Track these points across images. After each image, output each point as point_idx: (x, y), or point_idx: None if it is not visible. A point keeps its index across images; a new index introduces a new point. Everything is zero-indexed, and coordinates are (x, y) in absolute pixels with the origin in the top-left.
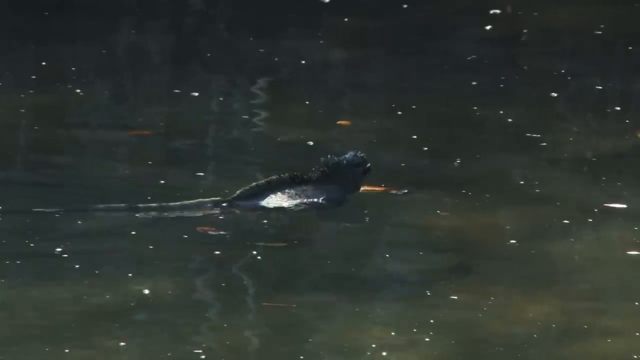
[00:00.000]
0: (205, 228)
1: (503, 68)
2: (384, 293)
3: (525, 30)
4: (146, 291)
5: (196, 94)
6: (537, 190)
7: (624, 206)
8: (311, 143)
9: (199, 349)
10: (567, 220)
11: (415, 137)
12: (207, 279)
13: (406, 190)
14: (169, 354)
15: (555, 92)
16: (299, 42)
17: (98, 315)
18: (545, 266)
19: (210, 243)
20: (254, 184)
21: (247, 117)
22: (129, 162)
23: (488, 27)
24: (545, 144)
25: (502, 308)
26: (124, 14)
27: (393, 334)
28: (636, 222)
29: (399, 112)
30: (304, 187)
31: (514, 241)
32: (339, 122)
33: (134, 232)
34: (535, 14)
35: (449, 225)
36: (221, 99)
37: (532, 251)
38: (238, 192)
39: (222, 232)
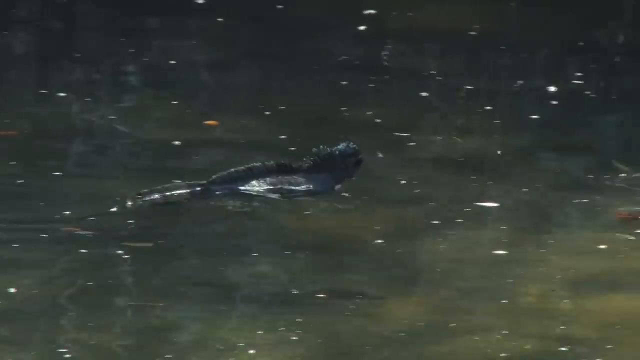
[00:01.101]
0: (71, 228)
1: (373, 68)
2: (251, 292)
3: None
4: (12, 290)
5: (63, 94)
6: (406, 190)
7: (494, 205)
8: (178, 143)
9: (64, 349)
10: (436, 220)
11: (283, 137)
12: (73, 279)
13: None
14: (32, 353)
15: (425, 92)
16: (169, 42)
17: None
18: (412, 265)
19: (76, 242)
20: (232, 169)
21: (114, 117)
22: None
23: (362, 28)
24: (414, 143)
25: (369, 307)
26: None
27: (260, 332)
28: (504, 221)
29: (267, 113)
30: (292, 176)
31: (381, 241)
32: (206, 122)
33: None
34: (410, 14)
35: (317, 224)
36: (88, 99)
37: (400, 250)
38: (214, 176)
39: (88, 232)
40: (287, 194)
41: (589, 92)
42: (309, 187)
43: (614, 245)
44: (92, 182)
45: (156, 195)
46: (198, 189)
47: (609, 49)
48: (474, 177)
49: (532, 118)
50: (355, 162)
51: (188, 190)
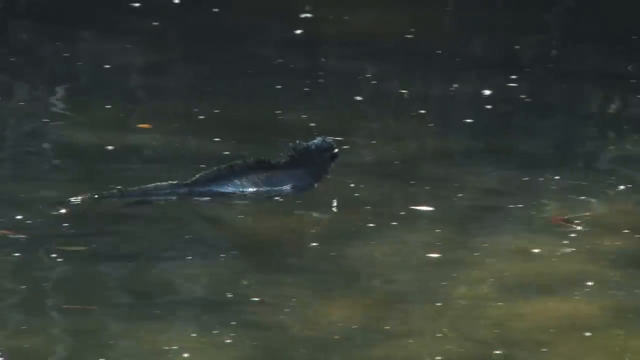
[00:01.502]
0: (4, 231)
1: (308, 72)
2: (184, 295)
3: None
4: None
5: None
6: (341, 193)
7: (428, 209)
8: (111, 147)
9: None
10: (371, 223)
11: (217, 139)
12: (5, 283)
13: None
14: None
15: (360, 96)
16: (104, 46)
17: None
18: (347, 269)
19: (8, 246)
20: (215, 168)
21: (47, 120)
22: None
23: (298, 32)
24: (348, 147)
25: (303, 310)
26: None
27: (194, 335)
28: (439, 225)
29: (201, 117)
30: (271, 173)
31: (316, 244)
32: (139, 126)
33: None
34: (346, 17)
35: (253, 227)
36: (21, 103)
37: (334, 254)
38: (197, 176)
39: (20, 236)
40: (269, 193)
41: (523, 96)
42: (290, 185)
43: (547, 249)
44: (25, 187)
45: (137, 197)
46: (181, 190)
47: (544, 52)
48: (409, 181)
49: (466, 122)
50: (330, 157)
51: (169, 191)
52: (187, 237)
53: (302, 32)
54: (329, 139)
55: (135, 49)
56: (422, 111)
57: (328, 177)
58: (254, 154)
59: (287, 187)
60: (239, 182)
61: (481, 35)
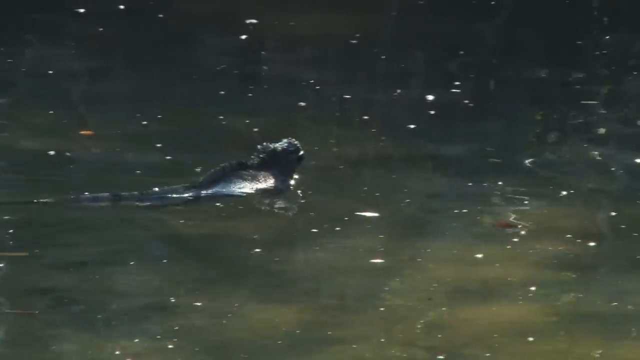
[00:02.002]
0: None
1: (252, 77)
2: (128, 301)
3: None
4: None
5: None
6: (284, 199)
7: (373, 215)
8: (52, 152)
9: None
10: (315, 229)
11: (159, 145)
12: None
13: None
14: None
15: (304, 102)
16: (47, 51)
17: None
18: (290, 274)
19: None
20: (212, 170)
21: None
22: None
23: (243, 37)
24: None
25: (246, 315)
26: None
27: (137, 340)
28: (382, 230)
29: (144, 122)
30: (250, 173)
31: (259, 249)
32: (81, 132)
33: None
34: (292, 23)
35: (195, 233)
36: None
37: (278, 259)
38: (202, 179)
39: None
40: (256, 192)
41: (466, 102)
42: (270, 183)
43: (491, 254)
44: None
45: (155, 198)
46: (193, 191)
47: (486, 58)
48: (352, 186)
49: (409, 127)
50: (297, 159)
51: (184, 194)
52: (129, 243)
53: (246, 38)
54: (295, 141)
55: (79, 55)
56: (366, 117)
57: (295, 176)
58: (197, 161)
59: (269, 185)
60: (231, 183)
61: (424, 41)
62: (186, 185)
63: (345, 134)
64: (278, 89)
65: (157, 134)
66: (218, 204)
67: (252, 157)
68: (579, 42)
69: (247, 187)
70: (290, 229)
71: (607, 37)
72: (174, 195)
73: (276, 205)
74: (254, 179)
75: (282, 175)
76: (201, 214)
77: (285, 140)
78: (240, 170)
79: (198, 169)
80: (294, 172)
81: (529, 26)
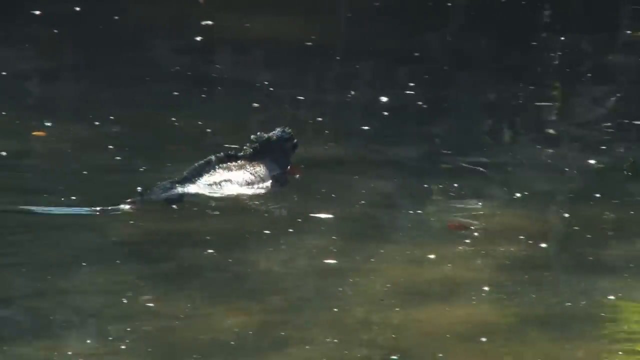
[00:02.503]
0: None
1: (206, 79)
2: (80, 303)
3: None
4: None
5: None
6: (237, 200)
7: (327, 216)
8: (4, 153)
9: None
10: (268, 230)
11: (111, 147)
12: None
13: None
14: None
15: (257, 103)
16: (0, 53)
17: None
18: (243, 276)
19: None
20: (196, 164)
21: None
22: None
23: (198, 38)
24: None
25: (199, 317)
26: None
27: (89, 342)
28: (336, 231)
29: (97, 123)
30: (240, 164)
31: (212, 251)
32: (34, 133)
33: None
34: (248, 25)
35: (147, 235)
36: None
37: (231, 260)
38: (185, 173)
39: None
40: (251, 184)
41: (420, 102)
42: (267, 173)
43: (443, 256)
44: None
45: (153, 196)
46: (175, 185)
47: (441, 60)
48: (306, 187)
49: (363, 129)
50: (292, 147)
51: (170, 187)
52: (81, 246)
53: (200, 40)
54: (288, 129)
55: (33, 56)
56: (319, 118)
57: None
58: (150, 161)
59: (265, 175)
60: (219, 175)
61: (378, 43)
62: (172, 180)
63: (298, 136)
64: (231, 90)
65: (109, 134)
66: (208, 198)
67: (245, 148)
68: (532, 44)
69: (238, 178)
70: (244, 231)
71: (561, 39)
72: (161, 193)
73: (230, 207)
74: (245, 169)
75: (275, 164)
76: (154, 215)
77: (278, 128)
78: (229, 161)
79: (142, 169)
80: (289, 160)
81: (483, 29)
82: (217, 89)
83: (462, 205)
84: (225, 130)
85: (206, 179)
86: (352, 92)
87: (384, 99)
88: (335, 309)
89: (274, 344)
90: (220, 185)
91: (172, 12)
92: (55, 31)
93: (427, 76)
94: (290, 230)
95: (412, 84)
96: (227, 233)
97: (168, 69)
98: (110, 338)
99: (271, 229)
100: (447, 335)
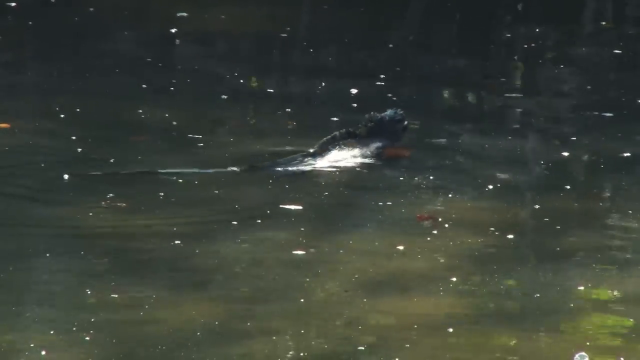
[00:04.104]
0: None
1: (172, 70)
2: (44, 294)
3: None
4: None
5: None
6: (204, 192)
7: (294, 207)
8: None
9: None
10: (235, 221)
11: (74, 138)
12: None
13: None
14: None
15: (223, 94)
16: None
17: None
18: (209, 267)
19: None
20: (324, 139)
21: None
22: None
23: (173, 30)
24: (205, 145)
25: (163, 308)
26: None
27: (52, 333)
28: (304, 223)
29: (62, 115)
30: (358, 141)
31: (178, 242)
32: None
33: None
34: (223, 17)
35: (112, 226)
36: None
37: (197, 251)
38: (316, 146)
39: None
40: (372, 156)
41: (390, 95)
42: (377, 151)
43: (411, 247)
44: None
45: (279, 168)
46: (308, 160)
47: (406, 50)
48: (274, 179)
49: (332, 120)
50: (402, 128)
51: (304, 158)
52: (44, 237)
53: (167, 31)
54: (400, 111)
55: (1, 47)
56: (288, 109)
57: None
58: (114, 153)
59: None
60: (344, 151)
61: (344, 33)
62: (303, 153)
63: (266, 127)
64: (197, 81)
65: (75, 126)
66: (332, 170)
67: (359, 125)
68: (494, 33)
69: (356, 154)
70: (210, 222)
71: (530, 29)
72: (293, 165)
73: (193, 197)
74: (362, 146)
75: (387, 142)
76: (116, 207)
77: (390, 110)
78: (349, 139)
79: (112, 160)
80: (400, 141)
81: (445, 17)
82: (184, 80)
83: (431, 197)
84: (190, 122)
85: (334, 153)
86: (323, 84)
87: (354, 90)
88: (302, 300)
89: (239, 335)
90: (342, 160)
91: (146, 4)
92: (30, 23)
93: (396, 67)
94: (258, 221)
95: (382, 75)
96: (193, 225)
97: (135, 61)
98: (74, 329)
99: (238, 219)
100: (415, 327)
